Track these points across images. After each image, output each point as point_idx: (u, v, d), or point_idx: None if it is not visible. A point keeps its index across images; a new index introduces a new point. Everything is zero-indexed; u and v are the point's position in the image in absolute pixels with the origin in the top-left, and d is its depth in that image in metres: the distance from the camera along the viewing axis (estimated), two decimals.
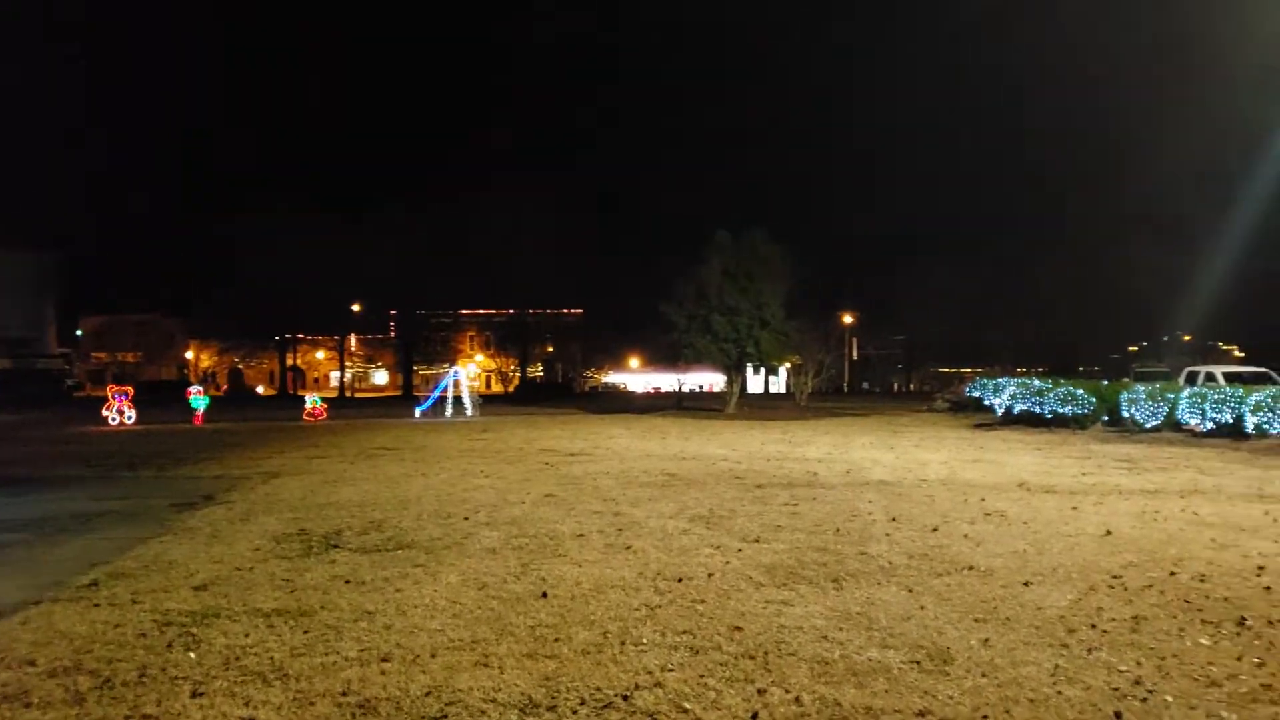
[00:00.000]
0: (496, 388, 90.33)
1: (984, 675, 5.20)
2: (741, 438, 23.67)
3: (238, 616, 6.46)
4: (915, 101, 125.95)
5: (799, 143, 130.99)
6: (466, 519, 10.48)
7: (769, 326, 37.84)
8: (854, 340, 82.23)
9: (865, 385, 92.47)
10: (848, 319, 76.38)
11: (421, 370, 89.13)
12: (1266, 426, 20.16)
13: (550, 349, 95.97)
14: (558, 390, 78.09)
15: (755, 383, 70.23)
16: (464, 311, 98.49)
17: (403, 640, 5.88)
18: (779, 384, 75.46)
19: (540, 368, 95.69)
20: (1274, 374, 28.37)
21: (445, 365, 64.57)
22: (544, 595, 7.00)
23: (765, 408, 42.69)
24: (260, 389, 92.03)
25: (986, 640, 5.84)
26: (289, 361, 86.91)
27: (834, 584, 7.32)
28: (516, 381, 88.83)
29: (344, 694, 4.96)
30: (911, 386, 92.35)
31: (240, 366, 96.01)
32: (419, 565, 8.07)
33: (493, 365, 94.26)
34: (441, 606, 6.70)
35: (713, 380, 74.53)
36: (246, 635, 6.02)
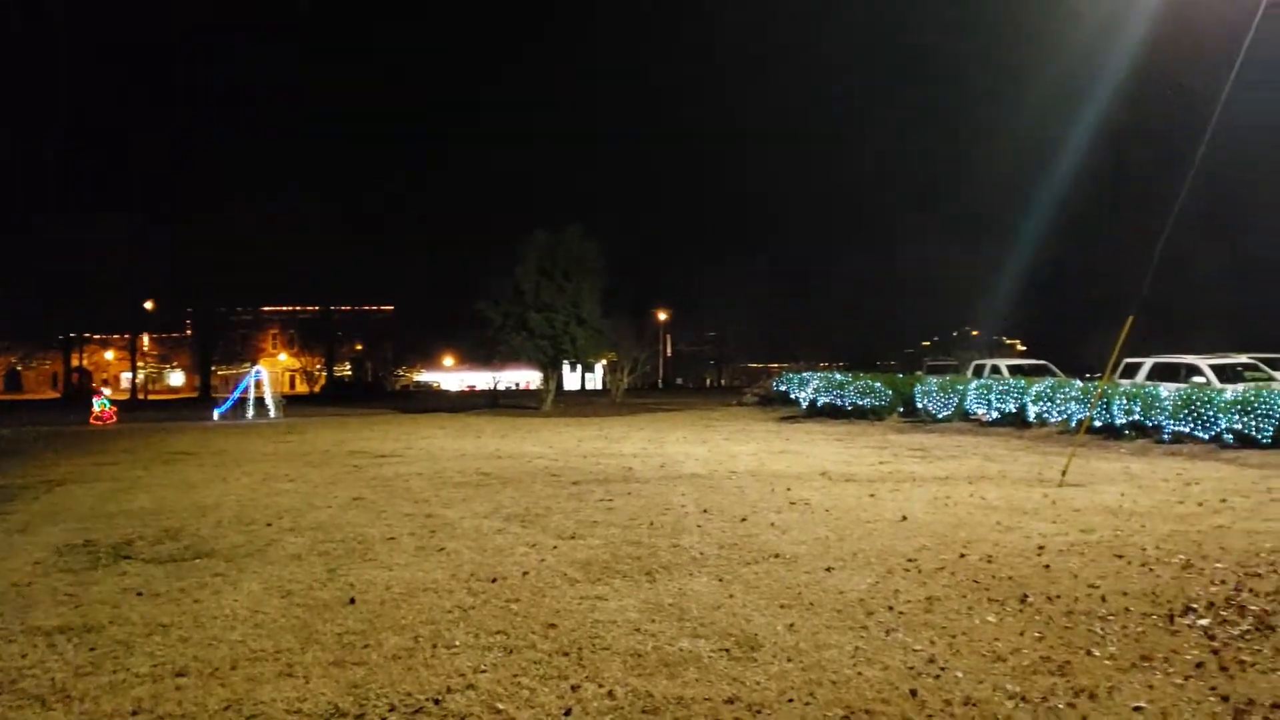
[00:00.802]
0: (301, 388, 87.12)
1: (789, 660, 5.35)
2: (558, 435, 23.68)
3: (14, 636, 5.96)
4: (731, 97, 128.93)
5: (616, 139, 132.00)
6: (269, 525, 10.05)
7: (585, 324, 38.03)
8: (668, 337, 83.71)
9: (679, 381, 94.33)
10: (662, 316, 77.68)
11: (221, 370, 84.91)
12: (1046, 415, 21.68)
13: (359, 347, 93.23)
14: (367, 390, 76.11)
15: (572, 380, 70.56)
16: (266, 309, 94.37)
17: (200, 653, 5.57)
18: (595, 381, 76.01)
19: (349, 367, 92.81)
20: (1052, 366, 30.57)
21: (246, 365, 61.83)
22: (352, 601, 6.78)
23: (581, 405, 42.90)
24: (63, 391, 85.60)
25: (792, 625, 6.03)
26: (74, 362, 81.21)
27: (647, 577, 7.40)
28: (323, 381, 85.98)
29: (134, 713, 4.65)
30: (723, 382, 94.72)
31: (19, 368, 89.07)
32: (218, 574, 7.67)
33: (297, 364, 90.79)
34: (243, 616, 6.39)
35: (529, 378, 74.26)
36: (24, 656, 5.57)
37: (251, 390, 35.08)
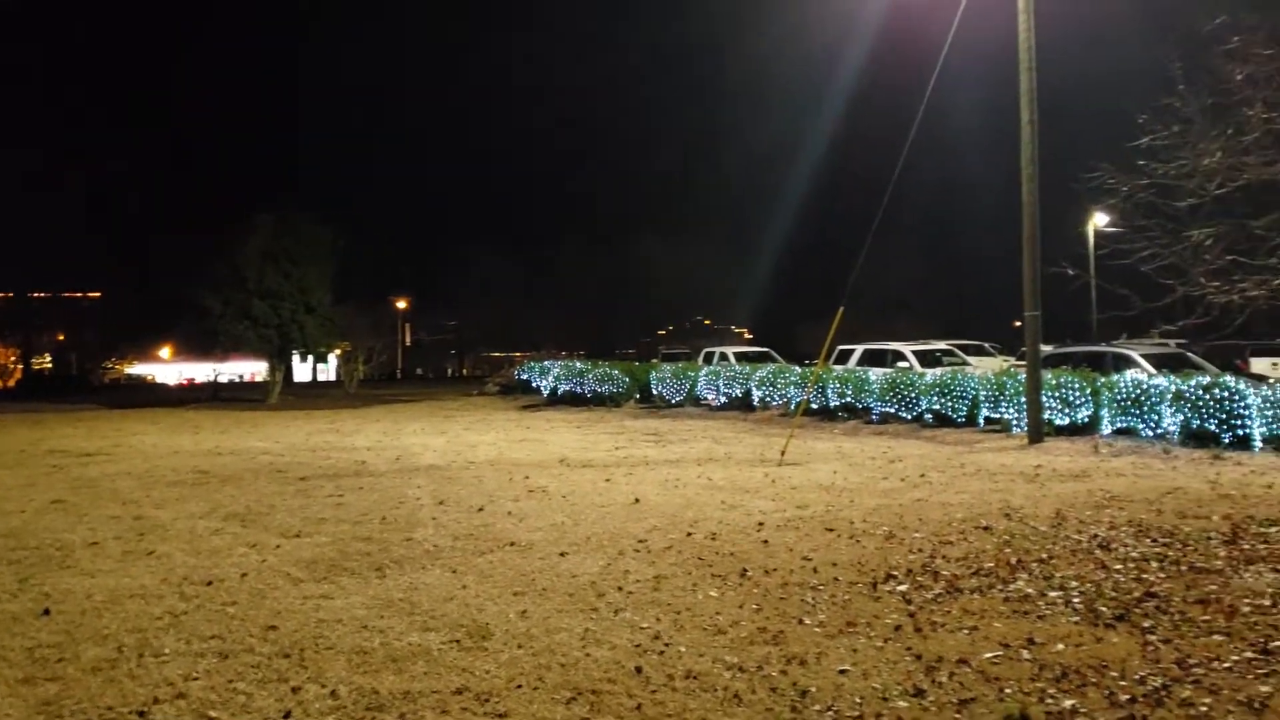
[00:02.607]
0: None
1: (520, 647, 5.37)
2: (285, 429, 22.62)
3: None
4: (472, 87, 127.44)
5: (353, 123, 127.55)
6: None
7: (315, 312, 36.56)
8: (408, 326, 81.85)
9: (420, 371, 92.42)
10: (402, 304, 75.86)
11: None
12: (769, 399, 22.89)
13: (62, 337, 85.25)
14: (71, 384, 69.72)
15: (303, 371, 67.56)
16: None
17: None
18: (329, 372, 73.16)
19: (49, 359, 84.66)
20: (774, 353, 32.30)
21: None
22: (46, 612, 6.20)
23: (313, 397, 41.21)
24: None
25: (524, 612, 6.05)
26: None
27: (377, 572, 7.20)
28: (19, 375, 78.06)
29: None
30: (465, 371, 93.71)
31: None
32: None
33: None
34: None
35: (255, 369, 70.50)
36: None
37: None
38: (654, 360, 35.66)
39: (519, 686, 4.74)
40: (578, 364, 29.65)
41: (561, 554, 7.71)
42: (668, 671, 4.92)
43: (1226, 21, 6.30)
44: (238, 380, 71.65)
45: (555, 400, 29.04)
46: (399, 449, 16.81)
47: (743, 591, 6.48)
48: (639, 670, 4.94)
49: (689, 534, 8.46)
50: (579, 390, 27.96)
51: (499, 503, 10.41)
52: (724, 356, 31.59)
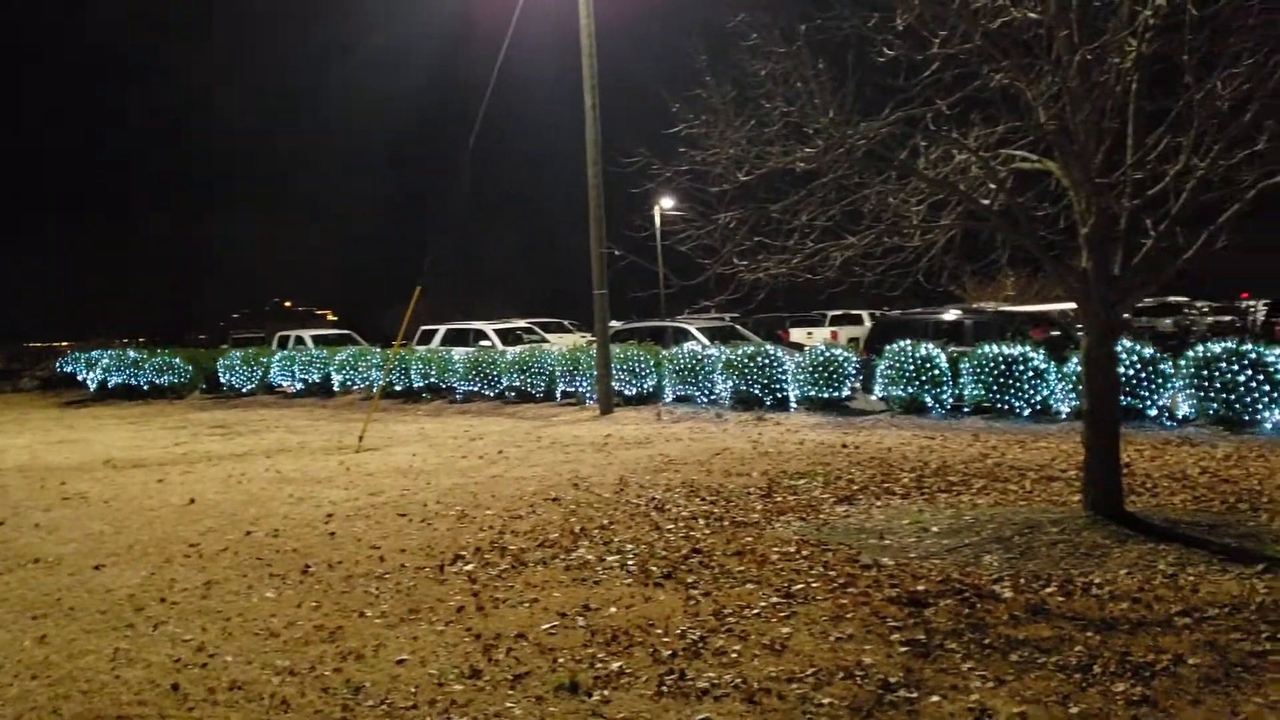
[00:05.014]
0: None
1: (34, 678, 4.72)
2: None
3: None
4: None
5: None
6: None
7: None
8: None
9: None
10: None
11: None
12: (350, 383, 22.19)
13: None
14: None
15: None
16: None
17: None
18: None
19: None
20: (356, 335, 31.38)
21: None
22: None
23: None
24: None
25: (43, 638, 5.33)
26: None
27: None
28: None
29: None
30: (1, 365, 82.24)
31: None
32: None
33: None
34: None
35: None
36: None
37: None
38: (223, 346, 33.36)
39: None
40: (132, 353, 26.90)
41: (97, 567, 6.90)
42: (209, 685, 4.53)
43: (746, 19, 6.83)
44: None
45: (107, 394, 26.18)
46: None
47: (303, 589, 6.15)
48: (176, 688, 4.51)
49: (249, 533, 7.91)
50: (135, 382, 25.42)
51: (25, 514, 9.15)
52: (300, 340, 30.22)
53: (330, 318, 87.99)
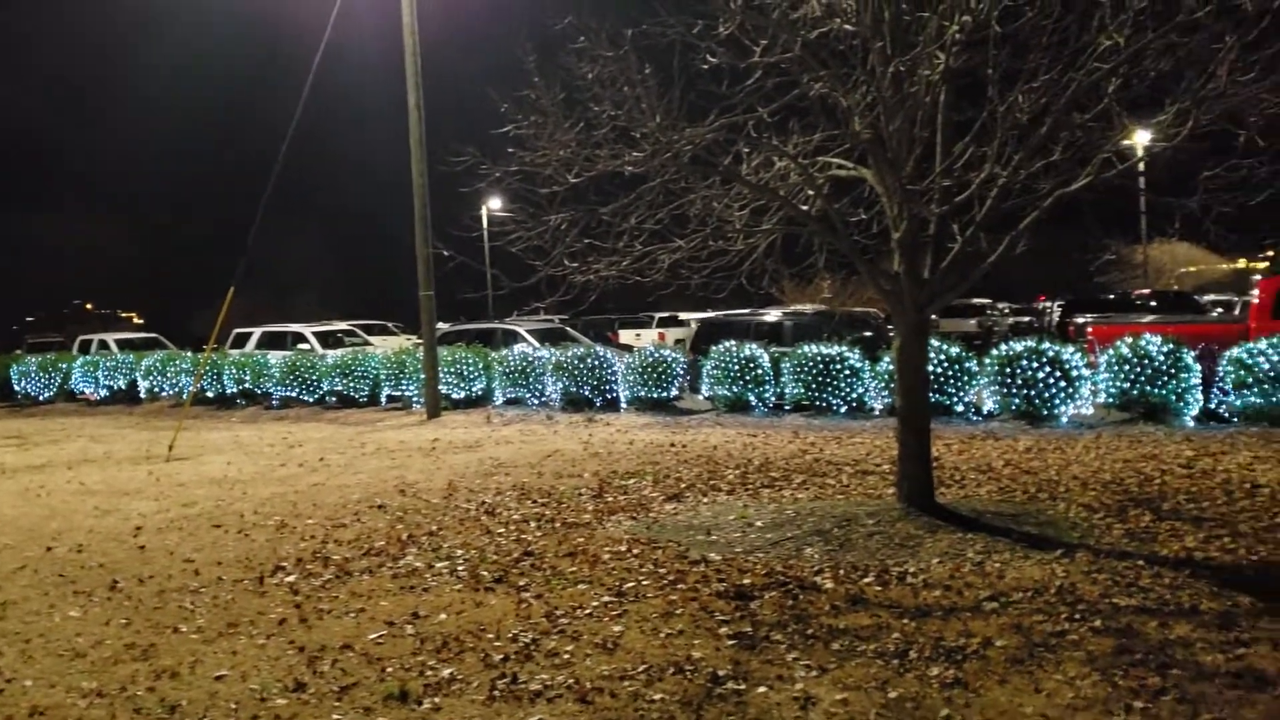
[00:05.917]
0: None
1: None
2: None
3: None
4: None
5: None
6: None
7: None
8: None
9: None
10: None
11: None
12: (158, 389, 21.05)
13: None
14: None
15: None
16: None
17: None
18: None
19: None
20: (164, 339, 29.79)
21: None
22: None
23: None
24: None
25: None
26: None
27: None
28: None
29: None
30: None
31: None
32: None
33: None
34: None
35: None
36: None
37: None
38: (17, 352, 31.10)
39: None
40: None
41: None
42: (7, 712, 4.24)
43: (574, 22, 6.87)
44: None
45: None
46: None
47: (111, 606, 5.81)
48: None
49: (49, 549, 7.42)
50: None
51: None
52: (104, 345, 28.49)
53: (136, 320, 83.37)
